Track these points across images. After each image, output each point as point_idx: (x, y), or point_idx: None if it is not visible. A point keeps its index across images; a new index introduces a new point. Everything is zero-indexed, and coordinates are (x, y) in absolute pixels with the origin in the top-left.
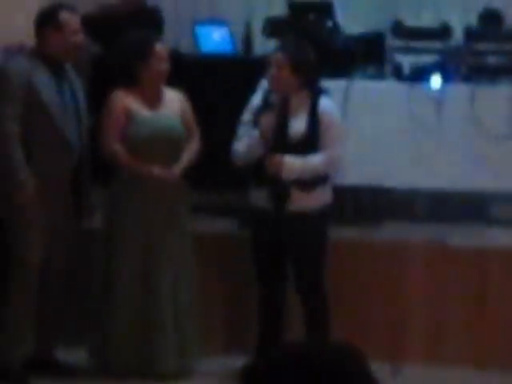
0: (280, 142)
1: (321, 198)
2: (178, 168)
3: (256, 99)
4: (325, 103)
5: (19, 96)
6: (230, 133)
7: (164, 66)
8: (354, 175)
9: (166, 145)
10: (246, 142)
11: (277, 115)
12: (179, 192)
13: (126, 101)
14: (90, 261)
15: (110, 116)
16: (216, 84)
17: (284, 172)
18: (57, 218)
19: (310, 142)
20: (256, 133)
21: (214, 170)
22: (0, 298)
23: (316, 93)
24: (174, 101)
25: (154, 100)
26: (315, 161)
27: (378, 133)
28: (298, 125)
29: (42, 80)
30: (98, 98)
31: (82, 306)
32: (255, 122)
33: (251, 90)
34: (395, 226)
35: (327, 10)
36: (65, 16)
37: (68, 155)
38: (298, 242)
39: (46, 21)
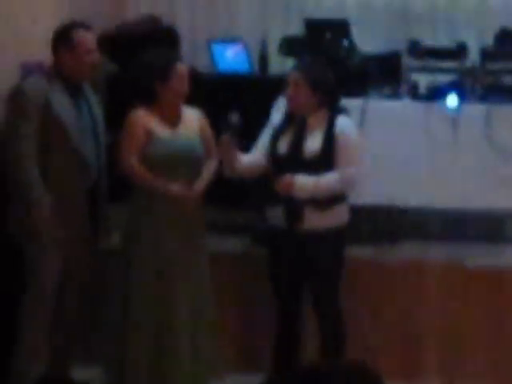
0: (294, 160)
1: (336, 217)
2: (199, 186)
3: (276, 117)
4: (342, 122)
5: (36, 115)
6: (245, 150)
7: (185, 86)
8: (369, 194)
9: (185, 164)
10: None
11: (294, 134)
12: (196, 212)
13: (145, 120)
14: (106, 280)
15: (129, 134)
16: (232, 102)
17: (295, 192)
18: (73, 238)
19: (324, 161)
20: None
21: (225, 188)
22: (13, 314)
23: (334, 112)
24: (192, 119)
25: (173, 119)
26: (329, 179)
27: (393, 152)
28: (314, 143)
29: (59, 99)
30: (113, 117)
31: (97, 325)
32: (274, 140)
33: (267, 108)
34: (410, 246)
35: (343, 29)
36: (79, 35)
37: (85, 175)
38: (312, 261)
39: (60, 40)
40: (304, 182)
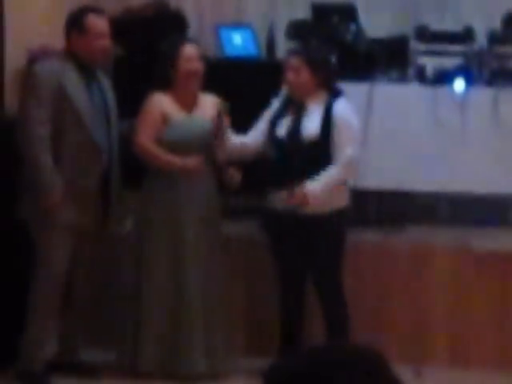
0: (293, 143)
1: (336, 200)
2: (229, 170)
3: (276, 102)
4: (340, 105)
5: (48, 99)
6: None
7: (193, 67)
8: (377, 179)
9: (199, 147)
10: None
11: (292, 118)
12: (212, 198)
13: (162, 104)
14: (117, 263)
15: (145, 118)
16: (239, 87)
17: (311, 202)
18: (85, 220)
19: (322, 145)
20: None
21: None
22: (23, 298)
23: (332, 95)
24: (209, 105)
25: (188, 103)
26: (333, 174)
27: (401, 136)
28: (312, 127)
29: (72, 82)
30: (121, 100)
31: (109, 306)
32: (273, 124)
33: (275, 92)
34: (418, 230)
35: (351, 13)
36: (91, 19)
37: (97, 157)
38: (313, 244)
39: (73, 24)
40: (314, 189)
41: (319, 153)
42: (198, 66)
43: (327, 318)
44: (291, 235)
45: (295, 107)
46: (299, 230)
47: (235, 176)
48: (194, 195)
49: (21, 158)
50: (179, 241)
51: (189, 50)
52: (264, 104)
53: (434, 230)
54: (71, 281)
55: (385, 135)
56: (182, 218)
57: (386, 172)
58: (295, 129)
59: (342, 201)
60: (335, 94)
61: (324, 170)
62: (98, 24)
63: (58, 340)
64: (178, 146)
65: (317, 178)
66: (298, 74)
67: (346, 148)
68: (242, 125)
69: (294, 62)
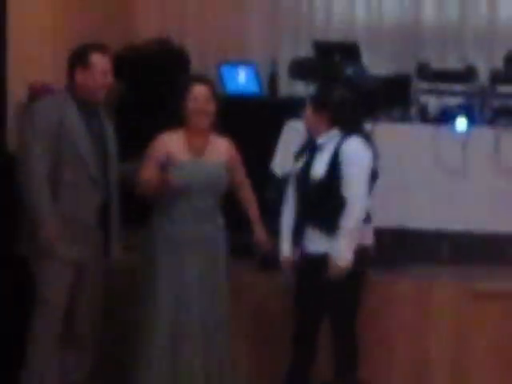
0: (304, 182)
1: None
2: (261, 230)
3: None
4: (348, 144)
5: (47, 135)
6: (255, 173)
7: (200, 107)
8: (378, 217)
9: (204, 191)
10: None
11: (306, 156)
12: (219, 237)
13: (168, 144)
14: (119, 298)
15: (149, 157)
16: (241, 125)
17: (343, 266)
18: (84, 256)
19: (328, 185)
20: None
21: (233, 210)
22: (24, 334)
23: (345, 132)
24: (220, 147)
25: (198, 145)
26: (347, 227)
27: (402, 174)
28: (320, 166)
29: (72, 119)
30: (124, 138)
31: (111, 342)
32: (294, 161)
33: (277, 130)
34: (419, 268)
35: (353, 51)
36: (95, 56)
37: (96, 193)
38: (332, 284)
39: (76, 60)
40: (340, 249)
41: (324, 192)
42: (204, 105)
43: (338, 356)
44: (310, 275)
45: (310, 147)
46: (318, 269)
47: (262, 237)
48: (201, 236)
49: (20, 194)
50: (184, 282)
51: (197, 90)
52: (266, 141)
53: (435, 268)
54: (72, 316)
55: (386, 173)
56: (188, 259)
57: (388, 210)
58: (304, 169)
59: (364, 240)
60: (350, 131)
61: (330, 210)
62: (102, 61)
63: (60, 375)
64: (182, 188)
65: (338, 240)
66: (306, 113)
67: (353, 189)
68: (244, 162)
69: (308, 107)
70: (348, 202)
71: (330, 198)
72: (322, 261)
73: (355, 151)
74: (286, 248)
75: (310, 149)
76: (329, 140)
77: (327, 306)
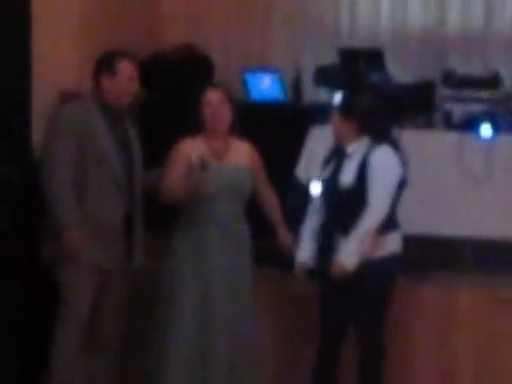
0: (331, 191)
1: (387, 247)
2: (285, 232)
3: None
4: (377, 153)
5: (73, 140)
6: (279, 180)
7: (215, 113)
8: (403, 224)
9: (227, 195)
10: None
11: (334, 164)
12: (243, 241)
13: (190, 149)
14: (142, 303)
15: (171, 163)
16: (266, 131)
17: (348, 269)
18: (108, 260)
19: (357, 193)
20: None
21: (258, 218)
22: (48, 340)
23: (375, 141)
24: (241, 152)
25: (219, 150)
26: (363, 229)
27: (427, 181)
28: (349, 174)
29: (97, 125)
30: (149, 146)
31: (134, 347)
32: (321, 169)
33: (301, 136)
34: (443, 275)
35: (378, 58)
36: (122, 63)
37: (121, 198)
38: (361, 293)
39: (103, 67)
40: (348, 252)
41: (354, 201)
42: (218, 109)
43: (363, 368)
44: (336, 285)
45: (338, 154)
46: (332, 281)
47: (287, 241)
48: (226, 242)
49: (45, 199)
50: (208, 282)
51: (210, 95)
52: (290, 148)
53: (459, 275)
54: (95, 322)
55: (410, 180)
56: (212, 260)
57: (412, 217)
58: (332, 176)
59: (393, 247)
60: (379, 140)
61: (353, 220)
62: (129, 68)
63: (85, 380)
64: (201, 195)
65: (347, 241)
66: (333, 121)
67: (375, 194)
68: (268, 169)
69: (336, 114)
70: (369, 205)
71: (360, 206)
72: (375, 266)
73: (383, 159)
74: (303, 254)
75: (337, 156)
76: (358, 148)
77: (357, 317)
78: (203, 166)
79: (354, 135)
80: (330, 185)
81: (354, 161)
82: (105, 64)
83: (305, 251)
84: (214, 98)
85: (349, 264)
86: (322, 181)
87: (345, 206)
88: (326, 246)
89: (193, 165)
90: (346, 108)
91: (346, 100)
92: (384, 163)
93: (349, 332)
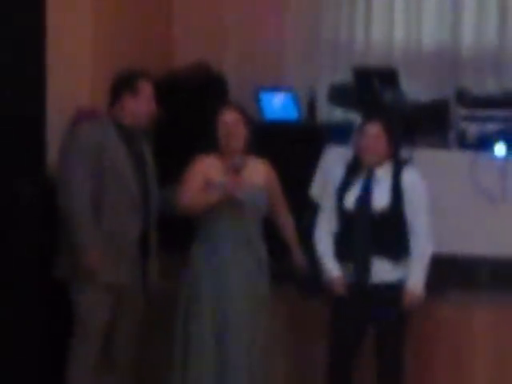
0: (363, 215)
1: (406, 269)
2: (299, 254)
3: (334, 170)
4: (409, 174)
5: (90, 158)
6: (293, 199)
7: (228, 135)
8: None
9: (244, 214)
10: (328, 246)
11: (361, 187)
12: (259, 260)
13: (206, 167)
14: (158, 320)
15: (187, 180)
16: (280, 151)
17: (419, 296)
18: (124, 278)
19: (393, 216)
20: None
21: (273, 237)
22: (63, 357)
23: (399, 163)
24: (257, 170)
25: (230, 165)
26: (423, 255)
27: (441, 200)
28: (382, 197)
29: (113, 143)
30: (164, 164)
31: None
32: (339, 196)
33: (316, 156)
34: (458, 294)
35: (392, 77)
36: (142, 83)
37: (136, 215)
38: (381, 315)
39: (124, 86)
40: (416, 279)
41: (389, 224)
42: (233, 129)
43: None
44: (355, 305)
45: (362, 175)
46: (364, 299)
47: (301, 261)
48: (242, 261)
49: (59, 217)
50: (226, 307)
51: (226, 115)
52: (304, 168)
53: (474, 293)
54: (111, 341)
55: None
56: (230, 284)
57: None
58: (364, 199)
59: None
60: (402, 161)
61: (397, 238)
62: (149, 88)
63: None
64: (217, 210)
65: (411, 269)
66: (378, 141)
67: (421, 218)
68: (283, 187)
69: (375, 129)
70: (420, 229)
71: (397, 227)
72: (392, 289)
73: (418, 180)
74: (333, 267)
75: (366, 180)
76: (384, 171)
77: (382, 335)
78: (236, 169)
79: (384, 157)
80: (362, 208)
81: (383, 183)
82: (126, 83)
83: (334, 264)
84: (229, 118)
85: (419, 289)
86: (348, 204)
87: (381, 227)
88: (363, 267)
89: (229, 167)
90: (392, 132)
91: (391, 124)
92: (419, 187)
93: (360, 350)
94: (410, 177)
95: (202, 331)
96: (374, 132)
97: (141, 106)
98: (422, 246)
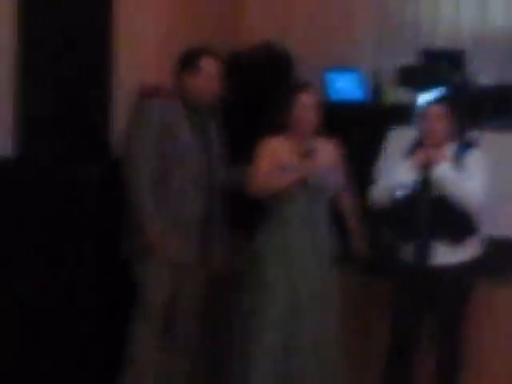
0: (425, 196)
1: (467, 251)
2: (360, 238)
3: (395, 150)
4: (473, 155)
5: (155, 136)
6: (360, 180)
7: (308, 116)
8: (485, 226)
9: (311, 196)
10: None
11: (422, 166)
12: (326, 242)
13: (275, 149)
14: (219, 302)
15: (256, 162)
16: (345, 131)
17: (440, 161)
18: (186, 258)
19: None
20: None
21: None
22: (125, 337)
23: (463, 144)
24: (327, 151)
25: (303, 149)
26: (467, 189)
27: (506, 183)
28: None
29: (178, 121)
30: (232, 144)
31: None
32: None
33: (381, 137)
34: None
35: (460, 59)
36: (205, 61)
37: (200, 195)
38: (441, 297)
39: (186, 63)
40: (445, 171)
41: (449, 206)
42: (310, 114)
43: (441, 369)
44: (415, 287)
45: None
46: (425, 282)
47: (361, 244)
48: (309, 244)
49: (125, 197)
50: (294, 284)
51: (305, 99)
52: (370, 149)
53: None
54: (173, 318)
55: (493, 182)
56: (298, 262)
57: (490, 219)
58: (427, 179)
59: (474, 252)
60: (467, 143)
61: (453, 222)
62: (211, 65)
63: (163, 379)
64: (286, 191)
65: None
66: (440, 123)
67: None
68: (348, 169)
69: (438, 110)
70: (472, 191)
71: (458, 209)
72: (455, 271)
73: (482, 159)
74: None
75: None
76: (448, 151)
77: (441, 317)
78: (308, 152)
79: (450, 139)
80: (424, 188)
81: (446, 165)
82: (187, 61)
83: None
84: (308, 101)
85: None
86: (410, 185)
87: (445, 210)
88: (424, 249)
89: (301, 150)
90: (456, 113)
91: (455, 105)
92: (483, 161)
93: (421, 338)
94: (473, 158)
95: (270, 316)
96: (437, 113)
97: (202, 83)
98: (470, 191)
